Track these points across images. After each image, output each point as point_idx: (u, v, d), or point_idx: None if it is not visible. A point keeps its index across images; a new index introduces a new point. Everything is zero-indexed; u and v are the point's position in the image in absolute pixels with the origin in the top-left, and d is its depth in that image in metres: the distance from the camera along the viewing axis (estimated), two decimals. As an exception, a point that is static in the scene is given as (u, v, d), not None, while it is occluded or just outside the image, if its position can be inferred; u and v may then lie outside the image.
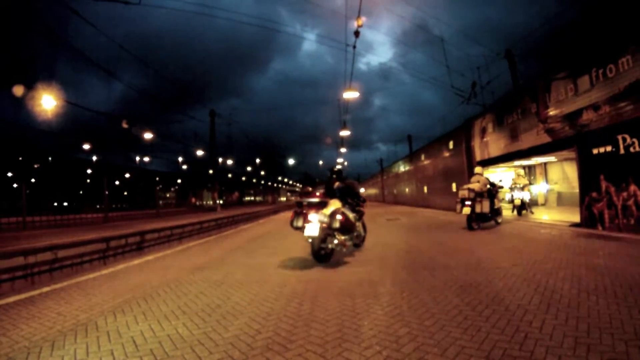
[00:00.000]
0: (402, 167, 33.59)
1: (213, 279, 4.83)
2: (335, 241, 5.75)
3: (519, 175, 14.28)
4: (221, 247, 8.46)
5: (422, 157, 25.87)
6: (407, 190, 31.50)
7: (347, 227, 5.81)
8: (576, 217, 9.70)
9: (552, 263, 4.90)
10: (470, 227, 9.16)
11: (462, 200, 9.36)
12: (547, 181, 15.40)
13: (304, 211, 5.71)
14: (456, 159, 18.42)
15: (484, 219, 9.46)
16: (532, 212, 12.69)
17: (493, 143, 14.03)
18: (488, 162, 14.78)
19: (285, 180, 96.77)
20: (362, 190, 7.58)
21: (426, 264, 5.26)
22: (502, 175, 17.71)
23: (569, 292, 3.49)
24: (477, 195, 9.20)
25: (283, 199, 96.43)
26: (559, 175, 14.81)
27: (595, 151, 8.25)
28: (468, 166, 16.62)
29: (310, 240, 5.55)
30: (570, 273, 4.26)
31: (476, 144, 15.87)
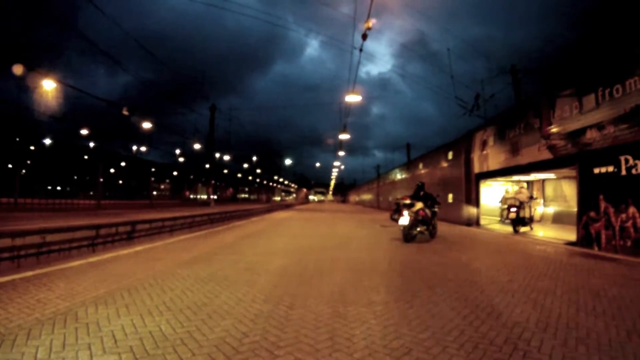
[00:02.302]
0: (399, 175, 33.41)
1: (201, 275, 4.70)
2: (418, 229, 8.88)
3: (521, 188, 14.14)
4: (211, 243, 8.32)
5: (420, 165, 25.75)
6: (400, 197, 31.23)
7: (426, 220, 9.04)
8: (572, 236, 9.65)
9: (548, 280, 4.82)
10: (515, 231, 11.95)
11: (509, 207, 12.21)
12: (544, 198, 15.36)
13: (400, 209, 9.35)
14: (455, 169, 18.33)
15: (524, 223, 12.23)
16: (531, 228, 12.64)
17: (493, 156, 13.97)
18: (487, 175, 14.74)
19: (281, 180, 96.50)
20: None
21: (419, 276, 5.16)
22: (496, 189, 17.66)
23: (567, 312, 3.39)
24: (521, 204, 12.09)
25: (277, 198, 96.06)
26: (556, 193, 14.77)
27: (596, 170, 8.19)
28: (466, 178, 16.56)
29: (402, 227, 8.69)
30: (568, 292, 4.16)
31: (476, 156, 15.82)
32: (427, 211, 9.15)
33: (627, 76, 7.58)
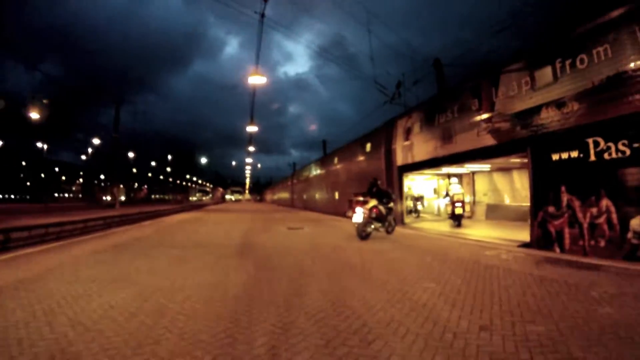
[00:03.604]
0: (313, 171, 31.38)
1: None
2: (372, 226, 8.77)
3: (451, 184, 13.25)
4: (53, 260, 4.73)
5: (335, 160, 24.07)
6: (317, 196, 29.40)
7: (380, 217, 9.01)
8: (520, 235, 8.37)
9: (543, 321, 2.78)
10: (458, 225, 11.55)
11: (454, 203, 11.86)
12: (474, 192, 14.60)
13: (353, 206, 9.27)
14: (373, 163, 16.77)
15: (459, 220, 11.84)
16: (457, 225, 11.49)
17: (420, 145, 12.51)
18: (412, 168, 13.28)
19: (195, 179, 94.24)
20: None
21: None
22: (424, 184, 16.66)
23: None
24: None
25: (194, 198, 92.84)
26: (489, 186, 14.09)
27: (555, 157, 6.80)
28: (387, 171, 15.04)
29: (356, 225, 8.58)
30: (585, 347, 2.06)
31: (398, 146, 14.33)
32: (382, 208, 9.13)
33: (595, 44, 6.24)
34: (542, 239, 7.02)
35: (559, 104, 6.83)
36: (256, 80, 14.62)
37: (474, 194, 14.64)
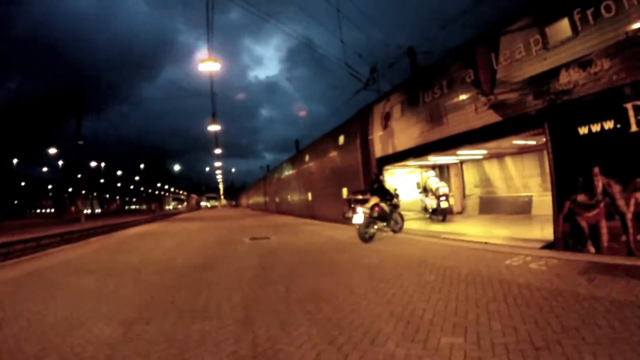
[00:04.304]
0: (284, 172, 29.25)
1: None
2: (376, 227, 8.11)
3: (429, 178, 12.07)
4: None
5: (307, 158, 22.00)
6: (289, 198, 27.39)
7: (382, 217, 8.34)
8: (524, 231, 6.98)
9: None
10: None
11: (439, 197, 11.12)
12: (463, 184, 13.19)
13: (352, 205, 8.15)
14: (348, 157, 15.04)
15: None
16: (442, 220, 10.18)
17: (402, 132, 10.94)
18: (394, 159, 11.68)
19: (169, 187, 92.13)
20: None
21: None
22: (406, 179, 15.16)
23: None
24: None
25: (169, 207, 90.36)
26: (479, 177, 12.71)
27: (583, 131, 5.32)
28: (364, 166, 13.39)
29: (357, 227, 7.83)
30: None
31: (376, 136, 12.72)
32: (384, 206, 8.48)
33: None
34: (570, 237, 5.54)
35: (583, 63, 5.34)
36: (209, 67, 12.79)
37: (463, 186, 13.26)
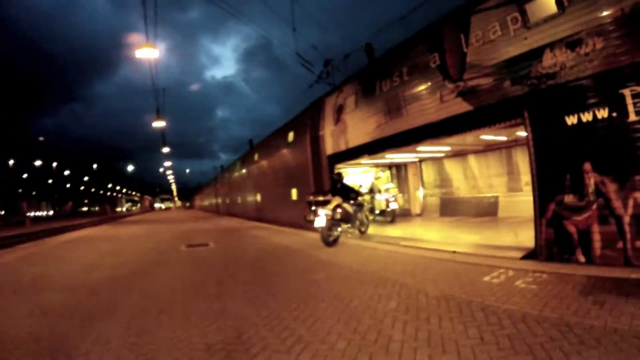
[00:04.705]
0: (235, 172, 27.51)
1: None
2: (340, 229, 7.65)
3: (376, 178, 11.31)
4: None
5: (256, 156, 20.49)
6: (239, 199, 25.90)
7: (346, 218, 7.81)
8: (495, 236, 6.25)
9: None
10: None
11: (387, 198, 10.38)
12: (423, 184, 12.50)
13: (314, 208, 7.59)
14: (298, 155, 13.80)
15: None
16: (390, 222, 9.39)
17: (356, 126, 9.92)
18: (346, 156, 10.64)
19: (121, 189, 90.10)
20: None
21: None
22: (360, 178, 14.20)
23: None
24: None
25: (122, 209, 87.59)
26: (440, 177, 12.08)
27: (571, 120, 4.57)
28: (314, 163, 12.23)
29: (319, 230, 7.34)
30: None
31: (327, 131, 11.61)
32: (347, 206, 8.00)
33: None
34: (555, 244, 4.76)
35: (571, 43, 4.58)
36: (146, 53, 10.95)
37: (422, 186, 12.60)
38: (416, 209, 12.65)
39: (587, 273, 4.01)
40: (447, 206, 11.30)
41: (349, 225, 8.04)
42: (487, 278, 4.20)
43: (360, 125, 9.69)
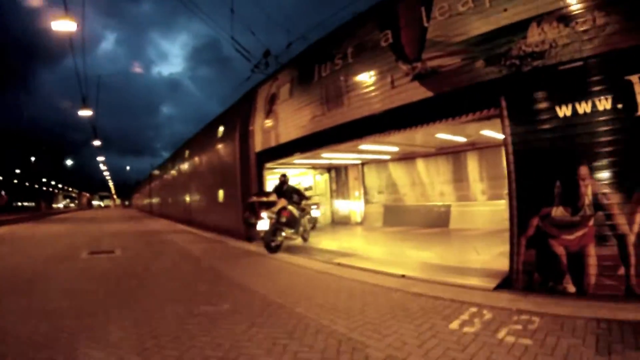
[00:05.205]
0: (167, 170, 24.97)
1: None
2: (284, 234, 7.14)
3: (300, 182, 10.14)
4: None
5: (186, 154, 18.20)
6: (170, 200, 23.43)
7: (291, 222, 7.33)
8: (452, 253, 5.20)
9: None
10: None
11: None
12: (365, 190, 11.34)
13: (257, 209, 7.03)
14: (226, 152, 11.91)
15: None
16: (305, 239, 8.07)
17: (289, 118, 8.43)
18: (277, 154, 9.11)
19: (57, 184, 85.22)
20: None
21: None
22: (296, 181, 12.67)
23: None
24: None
25: (59, 205, 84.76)
26: (384, 182, 11.01)
27: (563, 112, 3.59)
28: (242, 163, 10.47)
29: (262, 234, 6.97)
30: None
31: (257, 125, 9.96)
32: (293, 209, 7.49)
33: None
34: (537, 269, 3.72)
35: (565, 16, 3.62)
36: (62, 26, 8.95)
37: (364, 192, 11.48)
38: (356, 217, 11.55)
39: (593, 314, 2.98)
40: (391, 215, 10.28)
41: (293, 230, 7.45)
42: (455, 324, 2.97)
43: (293, 118, 8.20)
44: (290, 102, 8.38)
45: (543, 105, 3.72)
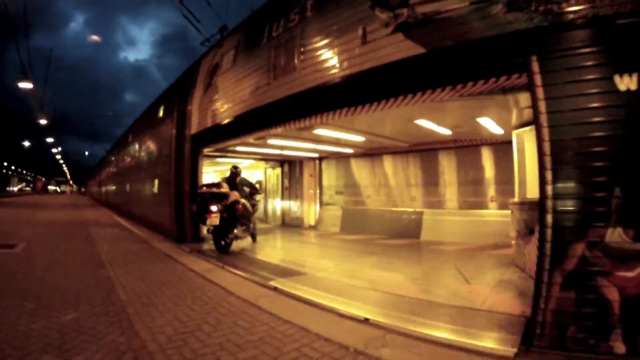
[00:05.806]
0: (111, 157, 23.21)
1: None
2: (235, 231, 6.47)
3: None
4: None
5: (130, 138, 16.30)
6: (114, 188, 21.62)
7: (245, 217, 6.74)
8: (425, 279, 3.96)
9: None
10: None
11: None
12: (321, 189, 9.89)
13: (208, 203, 6.12)
14: (164, 136, 9.87)
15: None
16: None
17: (227, 91, 6.73)
18: (213, 137, 7.41)
19: (10, 166, 79.26)
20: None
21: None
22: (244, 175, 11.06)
23: None
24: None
25: (12, 189, 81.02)
26: (344, 181, 9.61)
27: (626, 83, 2.23)
28: (177, 149, 8.57)
29: (211, 230, 6.22)
30: None
31: (195, 103, 8.13)
32: (247, 203, 6.94)
33: None
34: (573, 319, 2.34)
35: None
36: None
37: (321, 192, 10.01)
38: (310, 219, 10.06)
39: None
40: (351, 219, 8.77)
41: (244, 227, 6.84)
42: None
43: (233, 91, 6.49)
44: (232, 72, 6.66)
45: (595, 73, 2.36)
